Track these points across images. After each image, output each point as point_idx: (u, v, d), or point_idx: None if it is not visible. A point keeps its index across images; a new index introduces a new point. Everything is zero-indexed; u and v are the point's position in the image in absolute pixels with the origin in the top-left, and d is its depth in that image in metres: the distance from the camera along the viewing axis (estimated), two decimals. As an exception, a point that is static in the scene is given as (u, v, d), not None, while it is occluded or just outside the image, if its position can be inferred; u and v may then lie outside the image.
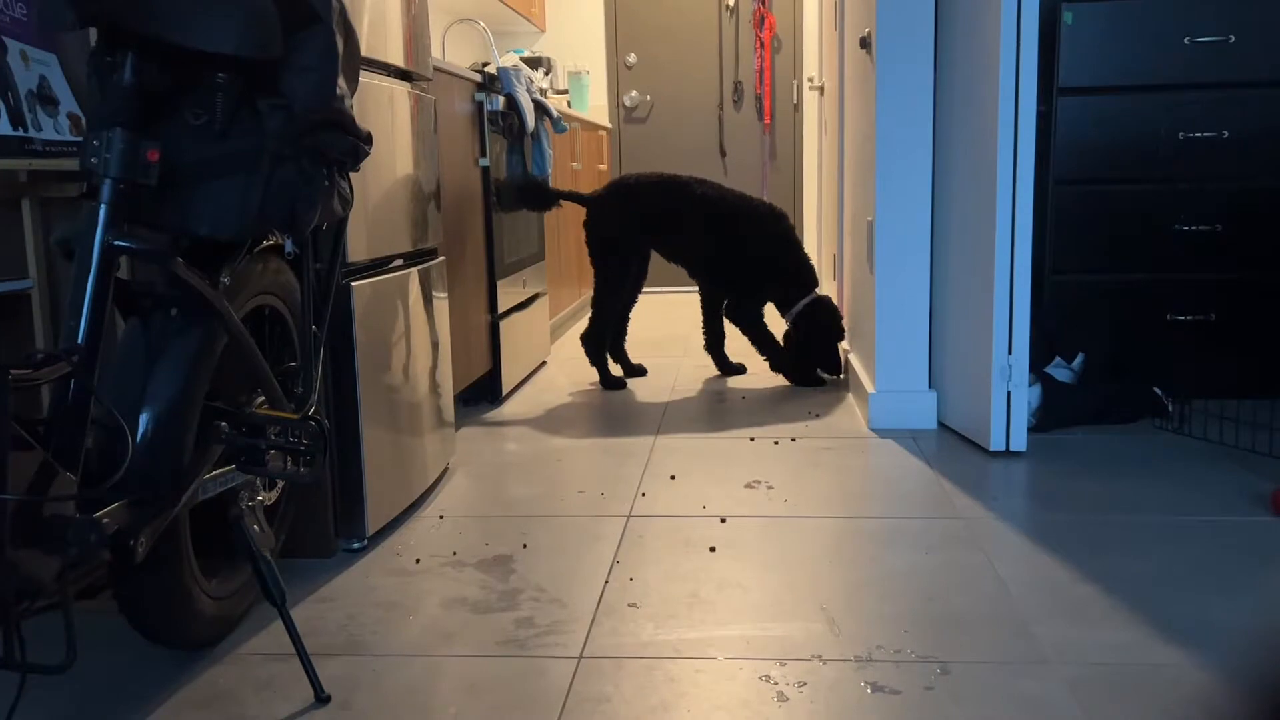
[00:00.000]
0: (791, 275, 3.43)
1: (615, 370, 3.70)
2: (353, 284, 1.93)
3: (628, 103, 6.15)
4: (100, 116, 1.23)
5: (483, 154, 3.11)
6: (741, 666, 1.50)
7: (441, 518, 2.20)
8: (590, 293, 5.24)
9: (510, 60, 3.45)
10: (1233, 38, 2.82)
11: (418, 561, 1.95)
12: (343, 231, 1.71)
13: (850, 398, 3.25)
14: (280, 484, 1.77)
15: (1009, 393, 2.51)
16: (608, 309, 3.46)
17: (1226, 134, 2.87)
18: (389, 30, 2.13)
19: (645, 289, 6.29)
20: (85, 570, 1.22)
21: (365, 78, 1.97)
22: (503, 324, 3.27)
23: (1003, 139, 2.41)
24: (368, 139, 1.52)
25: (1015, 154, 2.41)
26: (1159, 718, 1.34)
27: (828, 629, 1.62)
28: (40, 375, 1.15)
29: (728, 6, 6.03)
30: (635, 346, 4.29)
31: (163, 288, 1.37)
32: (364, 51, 1.98)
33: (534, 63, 5.21)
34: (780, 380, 3.55)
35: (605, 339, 3.50)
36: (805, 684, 1.45)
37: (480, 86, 3.10)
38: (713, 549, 1.97)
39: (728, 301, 3.56)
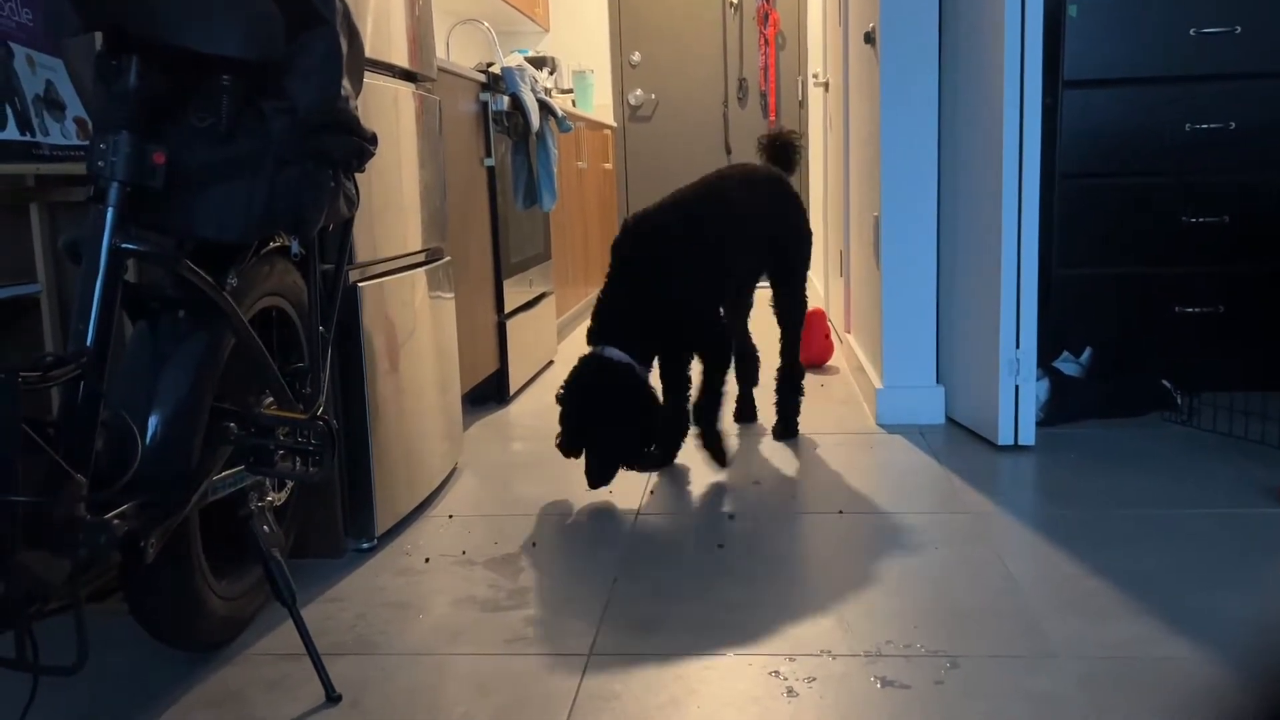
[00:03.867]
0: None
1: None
2: (360, 285, 1.93)
3: (632, 101, 6.15)
4: (106, 120, 1.24)
5: (488, 154, 3.12)
6: (750, 662, 1.50)
7: (450, 517, 2.20)
8: (597, 291, 5.25)
9: (514, 60, 3.45)
10: (1239, 28, 2.80)
11: (427, 561, 1.96)
12: (349, 232, 1.72)
13: (858, 393, 3.24)
14: (289, 484, 1.78)
15: (1017, 387, 2.50)
16: None
17: (1233, 125, 2.85)
18: (393, 31, 2.13)
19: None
20: (96, 572, 1.23)
21: (370, 79, 1.98)
22: (510, 324, 3.28)
23: (1008, 133, 2.40)
24: (373, 140, 1.52)
25: (1021, 147, 2.41)
26: (1169, 712, 1.34)
27: (836, 624, 1.62)
28: (50, 378, 1.16)
29: (731, 4, 6.02)
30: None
31: (170, 290, 1.37)
32: (368, 53, 1.99)
33: (538, 62, 5.22)
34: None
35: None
36: (814, 679, 1.45)
37: (485, 87, 3.11)
38: (721, 545, 1.97)
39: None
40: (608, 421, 2.25)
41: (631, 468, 2.37)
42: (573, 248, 4.57)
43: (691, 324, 2.36)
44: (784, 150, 2.84)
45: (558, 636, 1.61)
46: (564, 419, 2.28)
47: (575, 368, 2.29)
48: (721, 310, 2.43)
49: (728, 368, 2.42)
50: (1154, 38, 2.84)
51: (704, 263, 2.35)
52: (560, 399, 2.30)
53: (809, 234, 2.70)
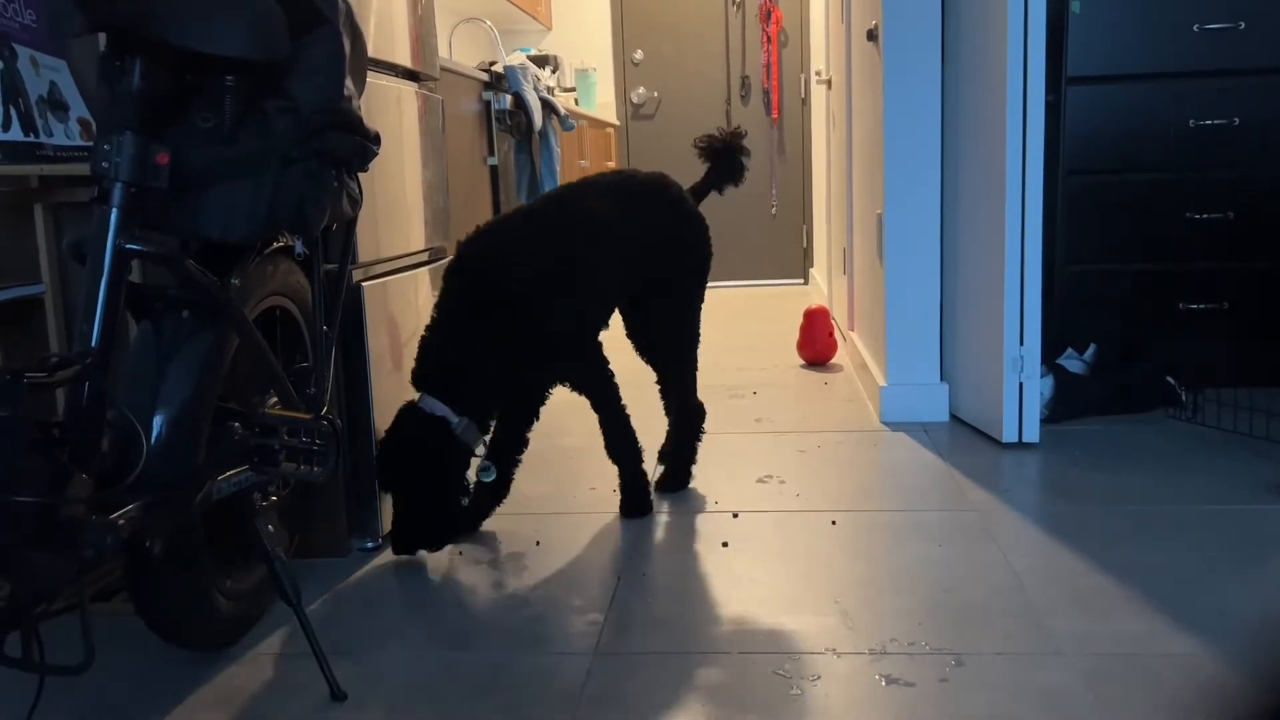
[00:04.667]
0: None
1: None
2: (363, 284, 1.93)
3: (635, 99, 6.15)
4: (110, 121, 1.24)
5: (490, 153, 3.12)
6: (755, 661, 1.50)
7: (454, 516, 2.20)
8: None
9: (517, 59, 3.45)
10: (1242, 24, 2.80)
11: (431, 560, 1.96)
12: (352, 232, 1.72)
13: (862, 391, 3.24)
14: (294, 484, 1.78)
15: (1021, 384, 2.50)
16: None
17: (1237, 121, 2.85)
18: (396, 31, 2.13)
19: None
20: (101, 572, 1.23)
21: (372, 78, 1.98)
22: (513, 322, 3.28)
23: (1011, 129, 2.40)
24: (376, 139, 1.52)
25: (1024, 144, 2.41)
26: (1174, 708, 1.33)
27: (841, 622, 1.62)
28: (55, 379, 1.16)
29: (734, 1, 6.02)
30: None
31: (174, 290, 1.38)
32: (371, 52, 1.99)
33: (541, 61, 5.22)
34: (792, 376, 3.55)
35: None
36: (819, 677, 1.45)
37: (487, 85, 3.11)
38: (725, 544, 1.97)
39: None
40: (401, 489, 1.91)
41: (424, 547, 1.96)
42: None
43: (560, 353, 2.02)
44: (726, 155, 2.36)
45: (562, 636, 1.61)
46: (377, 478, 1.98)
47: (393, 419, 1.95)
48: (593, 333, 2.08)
49: (616, 391, 2.10)
50: (1157, 34, 2.83)
51: (556, 287, 1.96)
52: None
53: (698, 247, 2.24)
